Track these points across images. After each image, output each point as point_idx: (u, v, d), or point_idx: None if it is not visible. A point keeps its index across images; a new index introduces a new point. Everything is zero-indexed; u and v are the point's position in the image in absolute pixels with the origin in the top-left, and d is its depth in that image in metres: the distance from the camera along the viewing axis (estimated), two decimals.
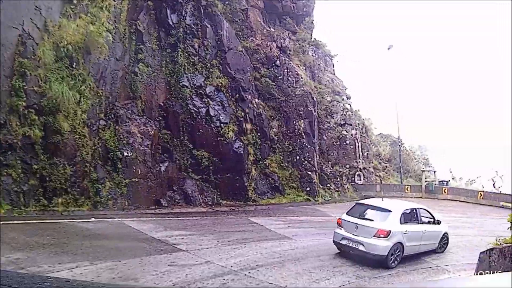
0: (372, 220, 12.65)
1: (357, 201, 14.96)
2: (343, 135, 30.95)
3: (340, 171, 30.01)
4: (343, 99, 32.98)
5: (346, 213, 13.50)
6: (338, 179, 29.60)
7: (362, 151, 31.97)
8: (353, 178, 30.93)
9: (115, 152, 18.50)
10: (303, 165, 26.87)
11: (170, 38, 22.36)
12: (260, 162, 25.10)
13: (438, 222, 14.50)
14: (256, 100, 25.69)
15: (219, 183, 22.55)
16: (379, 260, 12.10)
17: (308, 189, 26.64)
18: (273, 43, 28.74)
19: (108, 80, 18.99)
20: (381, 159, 36.14)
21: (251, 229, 16.68)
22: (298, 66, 29.57)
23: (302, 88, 27.86)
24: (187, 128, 22.03)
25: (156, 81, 21.60)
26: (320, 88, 31.62)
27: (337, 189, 28.93)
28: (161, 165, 21.01)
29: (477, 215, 24.17)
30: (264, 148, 25.45)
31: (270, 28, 29.23)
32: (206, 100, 22.61)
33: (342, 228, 13.08)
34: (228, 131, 22.55)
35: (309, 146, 27.23)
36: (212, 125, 22.37)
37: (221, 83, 23.43)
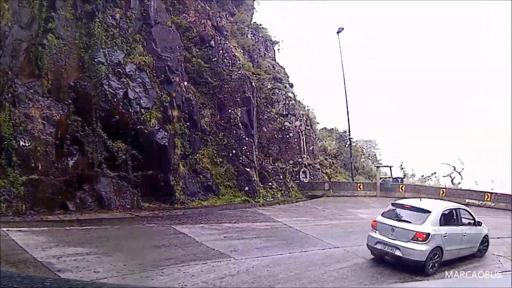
0: (409, 222, 12.97)
1: (392, 202, 15.03)
2: (286, 127, 30.59)
3: (283, 168, 29.78)
4: (285, 87, 32.90)
5: (381, 215, 13.91)
6: (281, 177, 29.24)
7: (307, 146, 31.93)
8: (297, 176, 30.70)
9: (10, 141, 16.49)
10: (240, 161, 26.36)
11: (87, 6, 20.86)
12: (190, 156, 24.20)
13: (479, 224, 14.89)
14: (186, 83, 24.67)
15: (140, 182, 21.19)
16: (416, 266, 12.37)
17: (246, 188, 26.11)
18: (208, 21, 28.38)
19: (8, 51, 17.10)
20: (327, 155, 36.51)
21: (175, 242, 14.70)
22: (236, 49, 28.97)
23: (239, 72, 27.36)
24: (101, 113, 20.25)
25: (68, 56, 19.84)
26: (259, 74, 31.43)
27: (280, 188, 28.54)
28: (69, 159, 19.17)
29: None
30: (194, 140, 24.45)
31: (205, 5, 28.71)
32: (125, 80, 21.16)
33: (376, 231, 13.47)
34: (150, 118, 21.24)
35: (247, 139, 26.77)
36: (130, 110, 20.92)
37: (145, 61, 22.25)
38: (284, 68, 35.59)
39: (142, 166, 21.13)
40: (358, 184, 31.72)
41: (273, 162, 29.61)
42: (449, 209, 14.07)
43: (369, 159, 42.15)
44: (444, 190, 29.95)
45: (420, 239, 12.31)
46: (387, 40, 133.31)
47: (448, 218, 13.57)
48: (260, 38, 34.72)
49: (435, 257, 12.59)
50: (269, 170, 28.81)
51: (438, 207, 13.82)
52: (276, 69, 34.05)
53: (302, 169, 30.89)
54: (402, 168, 37.35)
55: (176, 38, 24.83)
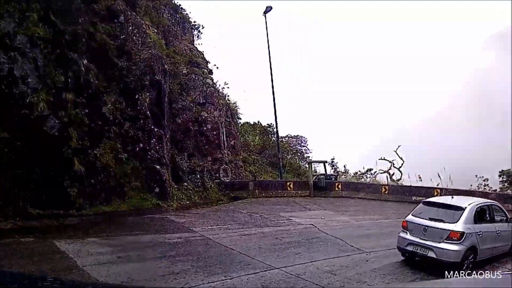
0: (442, 221, 13.72)
1: (423, 200, 15.99)
2: (203, 117, 29.85)
3: (201, 165, 28.90)
4: (203, 73, 32.51)
5: (412, 214, 14.75)
6: (198, 176, 28.37)
7: (227, 140, 31.17)
8: (217, 174, 30.02)
9: None
10: (150, 157, 25.03)
11: None
12: (88, 151, 22.22)
13: (511, 220, 15.71)
14: (85, 61, 22.55)
15: (27, 182, 18.82)
16: (451, 268, 12.40)
17: (157, 190, 24.74)
18: None
19: None
20: (250, 151, 36.24)
21: (45, 267, 11.98)
22: (148, 27, 27.75)
23: (150, 51, 26.11)
24: None
25: None
26: (174, 57, 30.84)
27: (197, 189, 27.60)
28: None
29: (396, 216, 24.28)
30: (93, 131, 22.45)
31: None
32: (12, 54, 19.06)
33: (407, 232, 14.29)
34: (38, 101, 19.01)
35: (157, 130, 25.46)
36: (15, 90, 18.64)
37: (39, 33, 20.08)
38: (203, 53, 35.56)
39: (29, 161, 18.96)
40: (288, 183, 31.49)
41: (189, 159, 28.64)
42: (482, 206, 14.81)
43: (297, 155, 42.12)
44: (387, 187, 30.38)
45: (455, 238, 13.06)
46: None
47: (481, 215, 14.39)
48: (178, 19, 34.68)
49: (470, 258, 13.35)
50: (184, 168, 27.88)
51: (471, 203, 14.41)
52: (193, 53, 33.70)
53: (223, 167, 30.31)
54: (333, 165, 37.61)
55: (80, 10, 22.95)
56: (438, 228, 13.44)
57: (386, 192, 29.64)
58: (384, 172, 35.65)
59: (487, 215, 14.73)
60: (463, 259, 13.01)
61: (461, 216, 13.52)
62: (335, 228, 20.42)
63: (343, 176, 38.08)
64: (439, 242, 13.16)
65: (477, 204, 14.50)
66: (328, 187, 31.04)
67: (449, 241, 13.02)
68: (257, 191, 30.06)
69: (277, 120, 35.44)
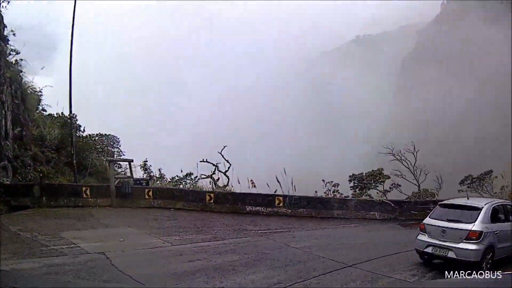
0: (460, 222, 15.08)
1: (440, 202, 17.53)
2: None
3: None
4: None
5: (429, 217, 16.31)
6: None
7: (13, 129, 27.94)
8: None
9: None
10: None
11: None
12: None
13: None
14: None
15: None
16: (471, 267, 12.88)
17: None
18: None
19: None
20: (45, 147, 32.74)
21: None
22: None
23: None
24: None
25: None
26: None
27: None
28: None
29: (232, 234, 21.51)
30: None
31: None
32: None
33: (425, 234, 15.70)
34: None
35: None
36: None
37: None
38: (2, 15, 31.82)
39: None
40: (84, 188, 28.28)
41: None
42: (497, 205, 16.21)
43: (105, 157, 39.94)
44: (212, 195, 28.51)
45: (474, 238, 14.36)
46: None
47: (497, 215, 15.78)
48: None
49: (488, 257, 14.61)
50: None
51: (487, 203, 15.77)
52: None
53: (2, 163, 26.37)
54: (146, 168, 36.82)
55: None
56: (456, 228, 14.79)
57: (212, 201, 27.73)
58: (207, 176, 33.80)
59: (502, 215, 16.14)
60: (482, 258, 14.33)
61: (478, 216, 14.86)
62: (140, 258, 15.68)
63: (158, 182, 36.23)
64: (458, 243, 14.52)
65: (492, 204, 15.90)
66: (136, 194, 28.53)
67: (468, 241, 14.36)
68: (44, 198, 26.28)
69: (72, 102, 32.77)
